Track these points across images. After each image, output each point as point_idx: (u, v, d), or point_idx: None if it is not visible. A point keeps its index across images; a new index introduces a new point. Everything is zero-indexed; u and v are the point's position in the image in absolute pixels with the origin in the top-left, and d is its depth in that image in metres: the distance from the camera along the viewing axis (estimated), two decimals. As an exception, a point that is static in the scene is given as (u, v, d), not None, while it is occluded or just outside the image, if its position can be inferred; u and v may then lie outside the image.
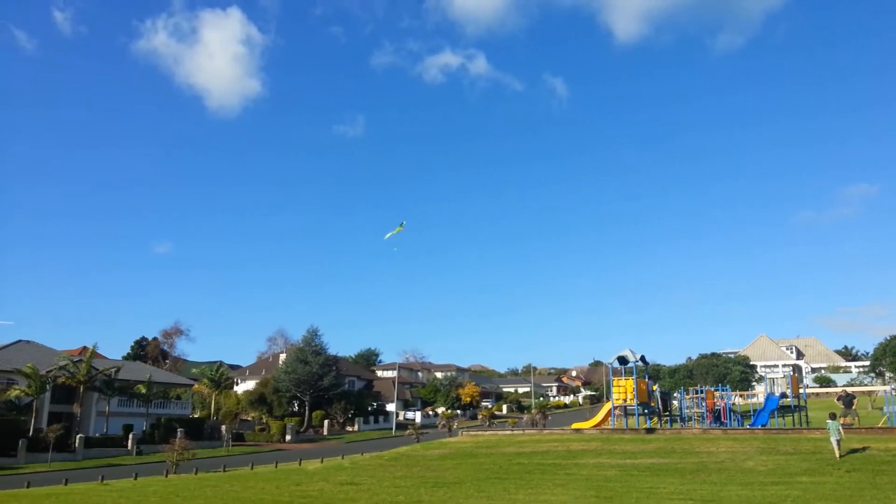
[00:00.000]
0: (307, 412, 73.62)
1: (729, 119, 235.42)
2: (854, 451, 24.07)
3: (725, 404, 42.07)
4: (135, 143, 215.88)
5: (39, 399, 51.53)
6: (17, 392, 50.28)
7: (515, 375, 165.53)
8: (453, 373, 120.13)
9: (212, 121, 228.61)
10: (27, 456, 45.09)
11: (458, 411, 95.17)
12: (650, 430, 34.83)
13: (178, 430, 51.45)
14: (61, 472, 36.36)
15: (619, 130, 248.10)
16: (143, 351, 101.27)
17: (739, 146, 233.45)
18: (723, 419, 40.61)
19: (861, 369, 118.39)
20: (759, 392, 56.85)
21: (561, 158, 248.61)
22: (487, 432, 42.50)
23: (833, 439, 23.89)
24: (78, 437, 49.46)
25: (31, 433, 47.67)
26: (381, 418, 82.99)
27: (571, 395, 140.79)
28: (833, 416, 25.61)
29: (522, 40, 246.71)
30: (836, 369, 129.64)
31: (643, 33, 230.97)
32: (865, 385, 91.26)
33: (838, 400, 34.42)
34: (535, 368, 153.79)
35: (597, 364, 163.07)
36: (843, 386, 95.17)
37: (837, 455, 23.42)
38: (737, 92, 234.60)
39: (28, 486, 26.66)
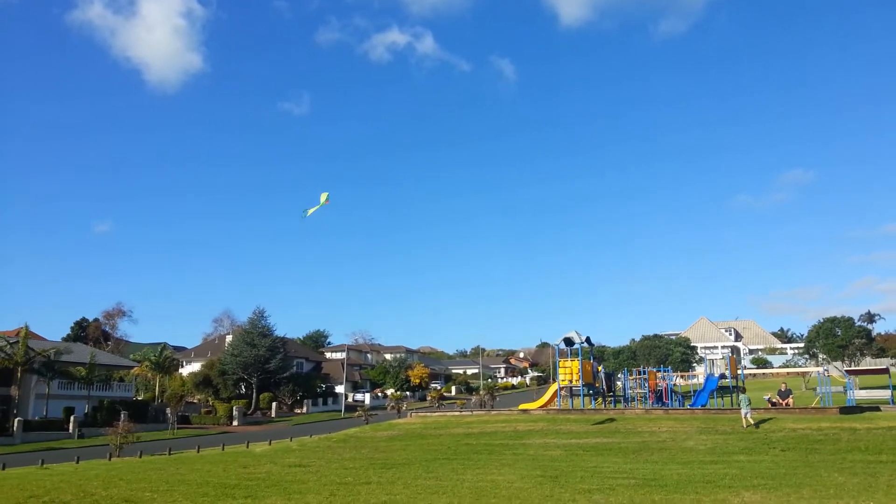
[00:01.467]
0: (254, 394, 73.01)
1: (670, 101, 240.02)
2: (763, 421, 25.12)
3: (667, 385, 43.22)
4: (70, 117, 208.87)
5: (-26, 382, 49.94)
6: (-50, 375, 48.63)
7: (464, 357, 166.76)
8: (403, 354, 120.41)
9: (151, 95, 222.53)
10: (-39, 440, 43.72)
11: (408, 393, 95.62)
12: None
13: (122, 412, 50.57)
14: (-2, 457, 35.37)
15: (564, 112, 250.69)
16: (83, 332, 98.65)
17: (680, 129, 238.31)
18: (664, 400, 41.72)
19: (796, 351, 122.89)
20: (700, 373, 58.50)
21: (507, 139, 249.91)
22: (436, 414, 42.83)
23: (743, 411, 27.88)
24: (16, 420, 48.09)
25: (-35, 417, 46.22)
26: (329, 400, 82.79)
27: (519, 377, 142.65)
28: (744, 391, 32.22)
29: (469, 21, 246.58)
30: (773, 351, 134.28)
31: (588, 17, 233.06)
32: (800, 366, 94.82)
33: (778, 393, 35.87)
34: (483, 350, 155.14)
35: (544, 346, 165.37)
36: (779, 367, 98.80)
37: (744, 425, 27.20)
38: (678, 74, 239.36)
39: (-37, 472, 25.89)
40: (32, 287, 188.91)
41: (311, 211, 28.08)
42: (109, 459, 29.19)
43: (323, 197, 28.32)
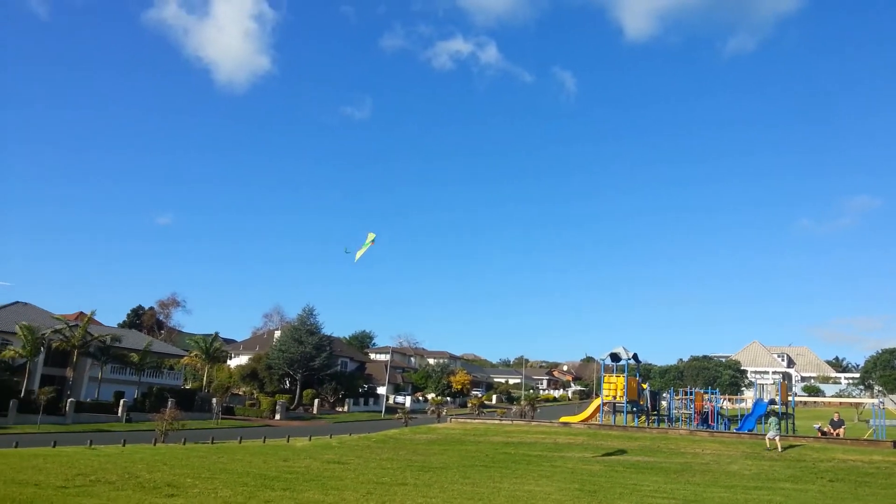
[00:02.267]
0: (298, 390, 73.91)
1: (735, 121, 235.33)
2: (790, 447, 24.27)
3: (714, 407, 42.34)
4: (141, 112, 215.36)
5: (33, 361, 51.73)
6: (12, 353, 50.44)
7: (507, 367, 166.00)
8: (446, 360, 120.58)
9: (219, 95, 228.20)
10: (17, 417, 45.29)
11: (448, 398, 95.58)
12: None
13: (169, 400, 51.71)
14: (50, 435, 36.54)
15: (625, 127, 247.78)
16: (138, 320, 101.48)
17: (744, 149, 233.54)
18: (710, 422, 40.87)
19: (850, 381, 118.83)
20: (748, 397, 57.13)
21: (566, 151, 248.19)
22: (476, 420, 42.73)
23: (771, 434, 28.36)
24: (69, 401, 49.65)
25: (22, 394, 47.85)
26: (371, 401, 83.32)
27: (561, 390, 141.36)
28: (776, 414, 32.38)
29: (533, 32, 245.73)
30: (826, 379, 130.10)
31: (653, 32, 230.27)
32: (854, 397, 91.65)
33: (830, 423, 34.89)
34: (526, 361, 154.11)
35: (588, 360, 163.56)
36: (831, 397, 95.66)
37: (767, 445, 27.73)
38: (745, 94, 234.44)
39: (16, 446, 26.84)
40: (94, 274, 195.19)
41: (359, 254, 28.46)
42: (154, 445, 29.89)
43: (370, 237, 28.73)
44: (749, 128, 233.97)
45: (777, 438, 27.96)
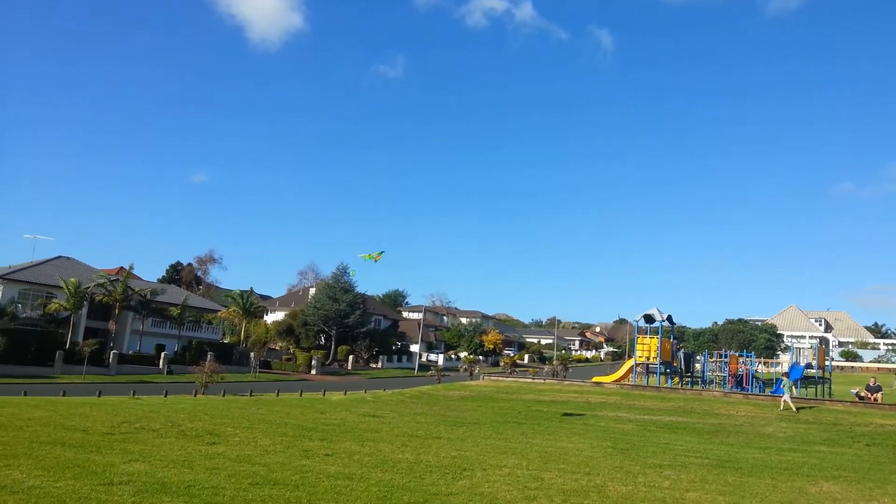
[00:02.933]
0: (333, 346, 75.06)
1: (776, 83, 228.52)
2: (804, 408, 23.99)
3: (748, 370, 42.03)
4: (176, 70, 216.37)
5: (77, 314, 53.21)
6: (56, 306, 51.93)
7: (539, 327, 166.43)
8: (478, 319, 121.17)
9: (253, 53, 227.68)
10: (63, 367, 46.79)
11: (481, 357, 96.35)
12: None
13: (209, 353, 52.89)
14: (95, 385, 37.75)
15: (663, 88, 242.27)
16: (177, 275, 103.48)
17: (784, 112, 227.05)
18: (744, 385, 40.63)
19: (889, 347, 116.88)
20: (784, 361, 56.57)
21: (602, 111, 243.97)
22: (508, 379, 43.04)
23: (785, 396, 29.26)
24: (112, 353, 51.08)
25: (67, 346, 49.34)
26: (404, 358, 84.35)
27: (593, 351, 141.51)
28: (787, 375, 33.80)
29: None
30: (864, 345, 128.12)
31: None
32: (892, 363, 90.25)
33: (867, 388, 34.42)
34: (559, 321, 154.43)
35: (621, 322, 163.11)
36: (869, 362, 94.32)
37: (781, 408, 28.44)
38: (786, 56, 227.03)
39: (64, 395, 27.79)
40: (133, 231, 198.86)
41: (366, 257, 30.03)
42: (195, 396, 30.70)
43: (378, 255, 30.18)
44: (791, 90, 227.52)
45: (790, 400, 29.02)
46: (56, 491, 8.79)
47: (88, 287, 53.43)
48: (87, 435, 14.61)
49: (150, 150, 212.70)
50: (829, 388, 39.70)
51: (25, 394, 27.27)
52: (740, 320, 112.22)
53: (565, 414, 26.36)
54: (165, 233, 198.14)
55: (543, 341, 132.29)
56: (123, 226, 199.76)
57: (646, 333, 42.15)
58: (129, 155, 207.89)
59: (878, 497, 11.96)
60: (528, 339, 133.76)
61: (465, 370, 64.24)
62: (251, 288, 71.40)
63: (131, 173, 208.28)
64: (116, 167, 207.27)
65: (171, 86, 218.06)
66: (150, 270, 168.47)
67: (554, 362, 77.95)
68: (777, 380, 40.89)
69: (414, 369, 76.70)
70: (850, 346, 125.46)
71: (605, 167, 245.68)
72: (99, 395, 27.86)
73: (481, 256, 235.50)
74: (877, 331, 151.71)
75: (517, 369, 78.14)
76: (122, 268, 68.04)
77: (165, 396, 28.50)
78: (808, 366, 41.39)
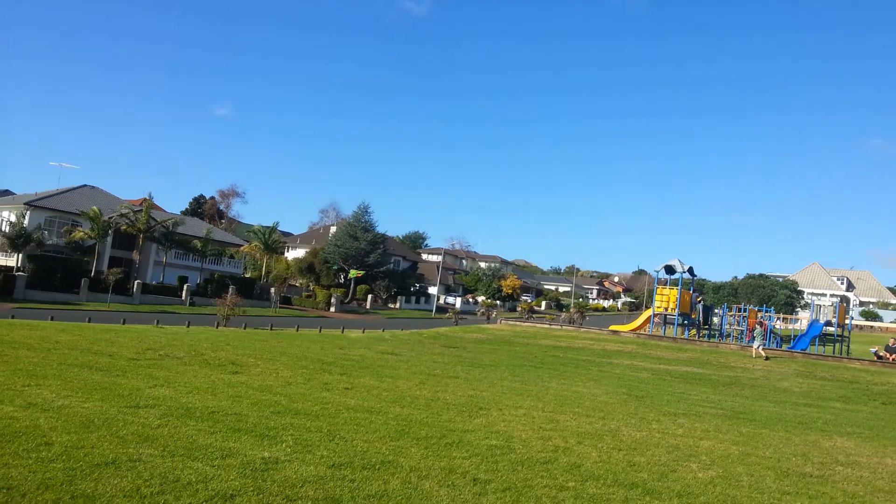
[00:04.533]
0: (352, 285, 75.78)
1: (808, 26, 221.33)
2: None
3: (767, 325, 41.85)
4: (202, 6, 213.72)
5: (101, 243, 53.95)
6: (82, 234, 52.63)
7: (558, 274, 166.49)
8: (497, 264, 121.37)
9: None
10: (88, 295, 47.74)
11: (498, 302, 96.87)
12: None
13: (230, 286, 53.63)
14: (119, 313, 38.52)
15: (698, 44, 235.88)
16: (200, 208, 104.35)
17: (816, 72, 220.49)
18: (763, 339, 40.50)
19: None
20: (803, 318, 56.29)
21: (631, 67, 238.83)
22: (525, 324, 43.28)
23: (756, 344, 30.87)
24: (136, 282, 51.95)
25: (92, 274, 50.22)
26: (422, 299, 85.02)
27: (611, 300, 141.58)
28: (761, 325, 36.08)
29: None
30: (886, 305, 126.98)
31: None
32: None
33: (886, 348, 34.14)
34: (577, 270, 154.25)
35: (640, 273, 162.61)
36: (890, 322, 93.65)
37: (754, 355, 29.94)
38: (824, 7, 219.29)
39: (89, 321, 28.39)
40: (157, 162, 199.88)
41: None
42: (216, 328, 31.25)
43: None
44: (819, 33, 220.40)
45: (761, 349, 30.56)
46: (84, 411, 9.04)
47: (112, 217, 54.03)
48: (114, 360, 14.96)
49: (175, 83, 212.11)
50: (848, 346, 39.51)
51: (52, 319, 27.88)
52: (761, 275, 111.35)
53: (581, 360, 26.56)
54: (190, 166, 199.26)
55: (561, 289, 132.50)
56: (148, 157, 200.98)
57: (665, 285, 41.99)
58: (155, 88, 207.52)
59: (891, 454, 11.99)
60: (546, 287, 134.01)
61: (483, 314, 64.77)
62: (275, 224, 71.79)
63: (157, 106, 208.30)
64: (141, 99, 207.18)
65: (196, 23, 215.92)
66: (174, 202, 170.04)
67: (571, 310, 78.24)
68: (796, 336, 40.78)
69: (431, 311, 77.40)
70: (872, 305, 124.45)
71: (632, 122, 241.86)
72: (123, 323, 28.43)
73: (502, 202, 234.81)
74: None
75: (534, 315, 78.57)
76: (144, 199, 68.61)
77: (188, 327, 29.02)
78: (828, 323, 41.08)
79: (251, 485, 6.40)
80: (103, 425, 8.24)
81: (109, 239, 55.94)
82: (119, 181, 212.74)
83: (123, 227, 55.27)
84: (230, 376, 14.07)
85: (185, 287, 54.95)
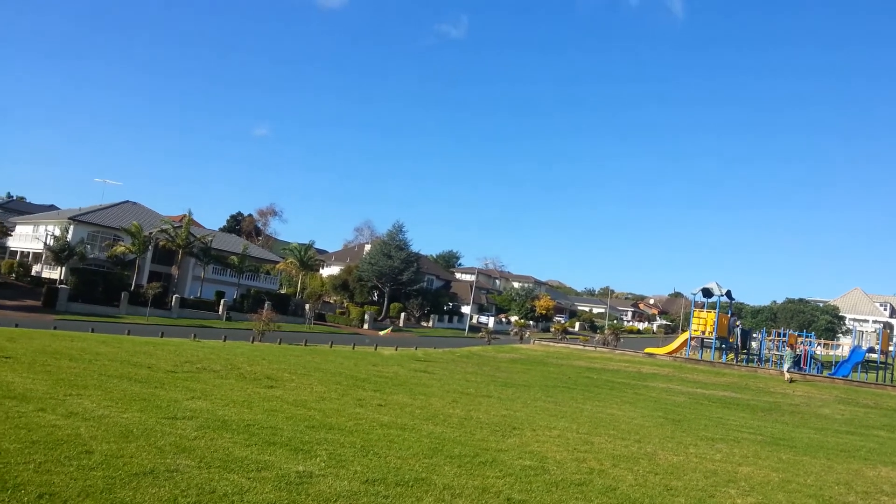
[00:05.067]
0: (386, 303, 76.06)
1: (846, 64, 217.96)
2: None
3: (808, 351, 40.99)
4: (240, 19, 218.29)
5: (142, 257, 55.04)
6: (123, 249, 53.78)
7: (592, 296, 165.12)
8: (530, 284, 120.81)
9: (318, 7, 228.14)
10: (128, 308, 48.63)
11: (531, 322, 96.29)
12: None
13: (266, 302, 54.19)
14: (158, 326, 39.17)
15: (733, 60, 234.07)
16: (237, 225, 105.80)
17: (869, 94, 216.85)
18: (802, 365, 39.67)
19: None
20: (845, 344, 55.01)
21: (669, 82, 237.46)
22: (559, 345, 42.97)
23: (785, 367, 31.42)
24: (174, 296, 52.79)
25: (132, 288, 51.20)
26: (455, 318, 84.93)
27: (646, 323, 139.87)
28: (792, 348, 36.36)
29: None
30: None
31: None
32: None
33: None
34: (612, 291, 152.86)
35: (676, 295, 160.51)
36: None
37: (786, 378, 30.26)
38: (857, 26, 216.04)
39: (128, 334, 28.89)
40: (198, 180, 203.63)
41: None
42: (252, 342, 31.57)
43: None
44: (855, 72, 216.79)
45: (787, 371, 31.10)
46: (124, 421, 9.18)
47: (153, 232, 55.11)
48: (152, 372, 15.18)
49: (215, 102, 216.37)
50: (893, 373, 38.50)
51: (93, 331, 28.45)
52: (801, 300, 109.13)
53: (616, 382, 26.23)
54: (229, 184, 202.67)
55: (595, 310, 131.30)
56: (188, 176, 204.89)
57: (703, 308, 41.40)
58: (195, 106, 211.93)
59: (939, 485, 11.59)
60: (579, 308, 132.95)
61: (516, 333, 64.42)
62: (311, 241, 72.61)
63: (196, 124, 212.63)
64: (183, 118, 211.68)
65: (232, 35, 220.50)
66: (212, 220, 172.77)
67: (605, 331, 77.41)
68: (837, 362, 39.84)
69: (464, 330, 77.21)
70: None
71: (670, 140, 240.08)
72: (161, 336, 28.89)
73: (537, 223, 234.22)
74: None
75: (568, 336, 77.89)
76: (184, 215, 69.87)
77: (224, 341, 29.35)
78: (871, 350, 40.09)
79: (286, 498, 6.43)
80: (142, 435, 8.36)
81: (149, 254, 57.05)
82: (160, 198, 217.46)
83: (163, 243, 56.31)
84: (266, 390, 14.18)
85: (222, 302, 55.67)
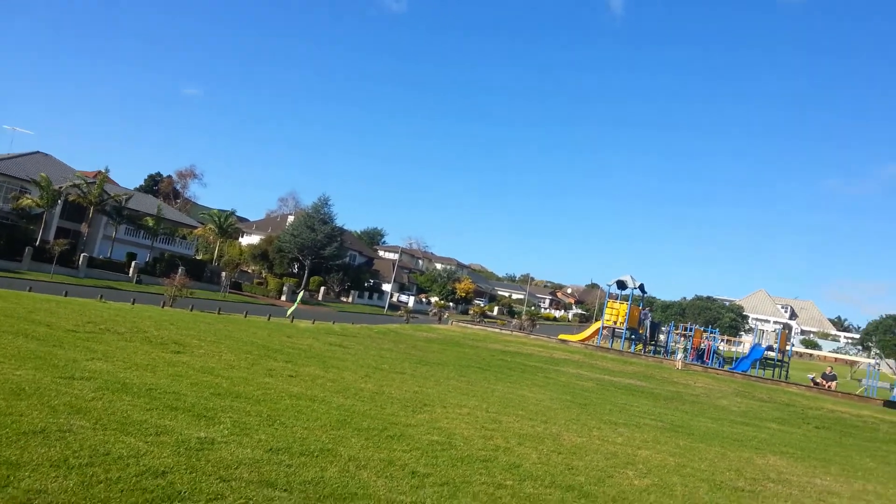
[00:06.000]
0: (306, 276, 75.08)
1: (779, 69, 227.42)
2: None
3: (711, 345, 42.79)
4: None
5: (49, 212, 52.46)
6: (29, 201, 51.10)
7: (512, 282, 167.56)
8: (453, 266, 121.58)
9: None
10: (31, 264, 46.34)
11: (451, 304, 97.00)
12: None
13: (180, 267, 52.63)
14: (62, 285, 37.48)
15: (666, 58, 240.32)
16: (155, 186, 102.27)
17: (786, 104, 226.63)
18: (705, 359, 41.39)
19: (849, 341, 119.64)
20: (746, 341, 57.67)
21: (606, 72, 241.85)
22: (476, 327, 43.44)
23: (678, 356, 34.99)
24: (82, 255, 50.61)
25: (37, 243, 48.77)
26: (375, 296, 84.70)
27: (563, 311, 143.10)
28: (684, 337, 40.17)
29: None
30: (825, 336, 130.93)
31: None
32: (850, 355, 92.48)
33: (823, 376, 35.25)
34: (532, 279, 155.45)
35: (593, 286, 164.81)
36: (828, 352, 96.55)
37: (678, 366, 33.26)
38: (799, 45, 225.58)
39: (30, 290, 27.54)
40: (115, 135, 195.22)
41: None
42: (162, 307, 30.62)
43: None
44: (796, 78, 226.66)
45: (679, 361, 34.30)
46: (16, 378, 8.73)
47: (63, 186, 52.57)
48: (51, 330, 14.51)
49: (143, 57, 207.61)
50: (787, 371, 40.64)
51: (-9, 285, 26.99)
52: (709, 298, 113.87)
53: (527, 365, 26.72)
54: (149, 142, 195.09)
55: (515, 296, 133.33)
56: (107, 131, 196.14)
57: (617, 299, 42.61)
58: (121, 59, 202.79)
59: (820, 475, 12.31)
60: (499, 292, 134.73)
61: (435, 314, 64.81)
62: (233, 210, 70.82)
63: (121, 78, 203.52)
64: (106, 68, 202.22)
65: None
66: (129, 178, 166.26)
67: (522, 317, 78.76)
68: (738, 358, 41.73)
69: (384, 308, 77.12)
70: (812, 335, 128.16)
71: (595, 130, 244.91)
72: (65, 295, 27.66)
73: (463, 205, 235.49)
74: (839, 324, 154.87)
75: (486, 319, 78.92)
76: (99, 171, 66.94)
77: (133, 304, 28.37)
78: (770, 348, 42.19)
79: (184, 463, 6.25)
80: (34, 394, 7.97)
81: (58, 209, 54.43)
82: (74, 152, 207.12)
83: (74, 198, 53.80)
84: (172, 355, 13.76)
85: (133, 264, 53.74)
